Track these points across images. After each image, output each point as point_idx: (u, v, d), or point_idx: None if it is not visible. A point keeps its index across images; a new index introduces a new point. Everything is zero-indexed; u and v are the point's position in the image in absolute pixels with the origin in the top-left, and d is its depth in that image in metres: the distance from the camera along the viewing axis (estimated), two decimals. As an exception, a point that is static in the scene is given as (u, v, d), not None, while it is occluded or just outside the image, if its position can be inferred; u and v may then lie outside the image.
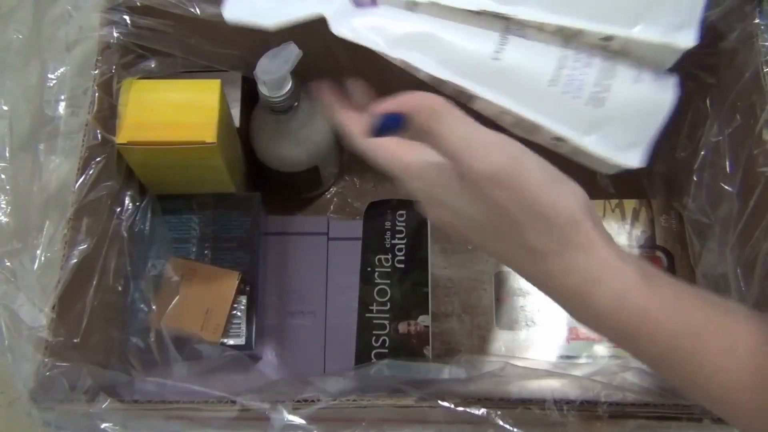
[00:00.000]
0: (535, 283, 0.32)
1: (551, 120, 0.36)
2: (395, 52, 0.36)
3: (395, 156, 0.33)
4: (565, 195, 0.30)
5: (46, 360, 0.45)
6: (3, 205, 0.47)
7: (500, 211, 0.30)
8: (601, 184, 0.69)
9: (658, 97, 0.36)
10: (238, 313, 0.57)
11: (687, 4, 0.36)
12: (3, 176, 0.48)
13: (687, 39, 0.37)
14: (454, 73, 0.36)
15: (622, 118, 0.36)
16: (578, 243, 0.29)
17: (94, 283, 0.51)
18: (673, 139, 0.61)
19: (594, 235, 0.29)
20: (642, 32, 0.36)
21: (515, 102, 0.36)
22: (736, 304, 0.33)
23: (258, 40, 0.48)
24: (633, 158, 0.37)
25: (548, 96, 0.36)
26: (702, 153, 0.55)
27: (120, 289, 0.55)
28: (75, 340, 0.48)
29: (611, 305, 0.29)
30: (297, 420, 0.43)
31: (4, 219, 0.47)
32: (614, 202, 0.63)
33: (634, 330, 0.30)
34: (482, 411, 0.43)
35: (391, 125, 0.31)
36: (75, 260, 0.49)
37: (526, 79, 0.35)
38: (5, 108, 0.49)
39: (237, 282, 0.57)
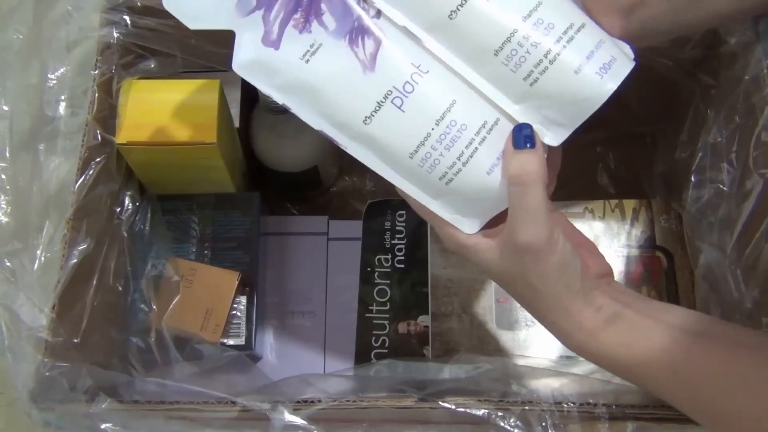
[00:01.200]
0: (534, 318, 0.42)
1: (410, 187, 0.41)
2: (278, 96, 0.39)
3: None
4: (568, 277, 0.39)
5: (46, 360, 0.45)
6: (3, 205, 0.47)
7: (521, 275, 0.39)
8: (602, 184, 0.69)
9: (593, 91, 0.38)
10: (238, 313, 0.57)
11: (574, 110, 0.39)
12: (3, 176, 0.47)
13: (556, 138, 0.40)
14: (330, 125, 0.39)
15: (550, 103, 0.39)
16: (561, 309, 0.40)
17: (94, 283, 0.51)
18: (674, 139, 0.61)
19: (573, 305, 0.39)
20: (520, 112, 0.39)
21: (380, 167, 0.40)
22: (688, 320, 0.39)
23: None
24: (554, 138, 0.40)
25: (409, 168, 0.40)
26: (701, 154, 0.55)
27: (120, 289, 0.55)
28: (75, 340, 0.48)
29: (578, 349, 0.40)
30: (297, 420, 0.43)
31: (4, 219, 0.47)
32: (614, 202, 0.63)
33: (598, 362, 0.40)
34: (483, 411, 0.43)
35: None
36: (75, 260, 0.49)
37: (387, 148, 0.39)
38: (5, 108, 0.49)
39: (237, 282, 0.57)
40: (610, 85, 0.38)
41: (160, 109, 0.53)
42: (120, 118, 0.53)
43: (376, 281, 0.62)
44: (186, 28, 0.55)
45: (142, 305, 0.56)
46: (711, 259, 0.54)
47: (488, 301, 0.61)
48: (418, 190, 0.40)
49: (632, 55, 0.40)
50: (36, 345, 0.45)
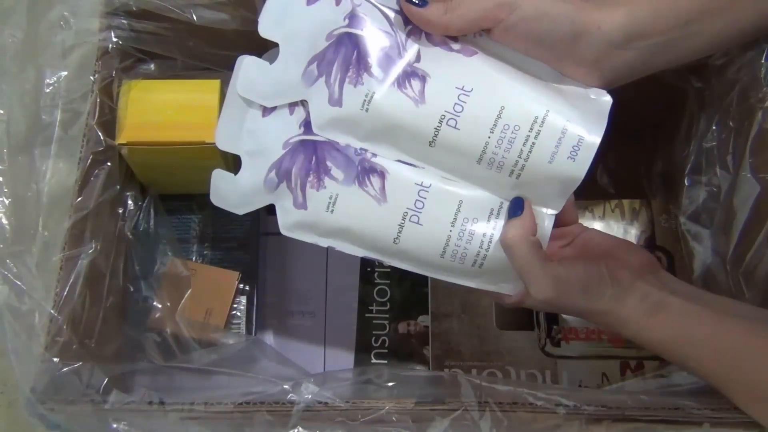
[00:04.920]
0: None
1: (451, 278, 0.46)
2: (323, 242, 0.47)
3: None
4: (594, 292, 0.43)
5: (47, 361, 0.45)
6: (5, 207, 0.47)
7: (557, 310, 0.47)
8: (601, 183, 0.69)
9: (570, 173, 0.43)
10: (238, 313, 0.57)
11: (561, 188, 0.43)
12: (1, 179, 0.48)
13: (554, 207, 0.44)
14: (369, 251, 0.46)
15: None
16: (603, 314, 0.43)
17: (95, 283, 0.51)
18: (673, 140, 0.61)
19: (614, 306, 0.43)
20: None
21: (422, 270, 0.46)
22: (732, 305, 0.44)
23: (257, 42, 0.48)
24: (553, 208, 0.45)
25: (443, 265, 0.45)
26: (693, 157, 0.56)
27: (121, 288, 0.55)
28: (76, 341, 0.48)
29: (633, 339, 0.44)
30: (321, 396, 0.43)
31: (6, 221, 0.47)
32: (614, 202, 0.63)
33: (652, 349, 0.44)
34: (482, 412, 0.43)
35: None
36: (76, 261, 0.49)
37: (419, 256, 0.45)
38: (1, 112, 0.49)
39: (237, 282, 0.58)
40: (584, 165, 0.42)
41: (160, 109, 0.53)
42: (120, 118, 0.53)
43: (376, 281, 0.62)
44: (185, 31, 0.56)
45: (143, 305, 0.56)
46: (708, 263, 0.54)
47: (488, 301, 0.61)
48: (457, 278, 0.46)
49: (607, 109, 0.43)
50: (37, 346, 0.45)
